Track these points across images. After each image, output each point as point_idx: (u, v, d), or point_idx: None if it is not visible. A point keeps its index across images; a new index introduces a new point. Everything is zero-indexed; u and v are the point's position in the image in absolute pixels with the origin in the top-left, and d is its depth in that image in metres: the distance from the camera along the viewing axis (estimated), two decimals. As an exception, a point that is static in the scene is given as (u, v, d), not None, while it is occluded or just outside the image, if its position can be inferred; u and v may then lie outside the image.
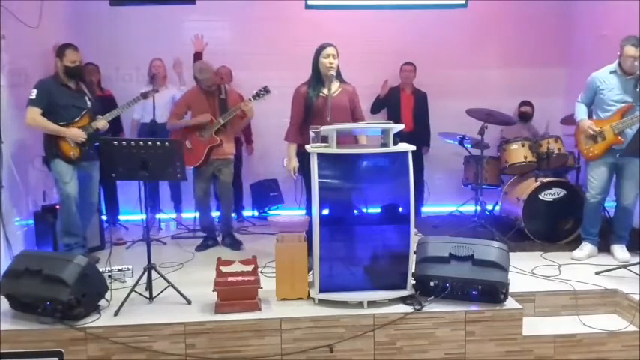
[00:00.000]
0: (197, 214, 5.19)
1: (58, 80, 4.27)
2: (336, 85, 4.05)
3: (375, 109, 6.20)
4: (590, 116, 4.51)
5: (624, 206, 4.40)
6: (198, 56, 5.52)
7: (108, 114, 4.42)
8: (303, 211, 4.62)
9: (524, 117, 6.20)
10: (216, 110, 4.80)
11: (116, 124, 5.52)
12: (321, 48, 4.02)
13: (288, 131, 4.19)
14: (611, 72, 4.38)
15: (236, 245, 4.91)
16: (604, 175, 4.41)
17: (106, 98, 5.42)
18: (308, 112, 4.05)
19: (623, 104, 4.30)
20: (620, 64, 4.32)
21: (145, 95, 4.74)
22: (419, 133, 6.07)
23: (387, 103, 6.18)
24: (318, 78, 4.07)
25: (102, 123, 4.36)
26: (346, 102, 4.10)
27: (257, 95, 4.73)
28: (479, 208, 5.48)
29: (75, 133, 4.23)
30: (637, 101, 4.26)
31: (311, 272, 3.67)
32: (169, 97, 5.59)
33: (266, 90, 4.71)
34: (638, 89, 4.24)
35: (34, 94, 4.15)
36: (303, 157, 3.94)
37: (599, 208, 4.56)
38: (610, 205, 4.80)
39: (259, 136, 6.18)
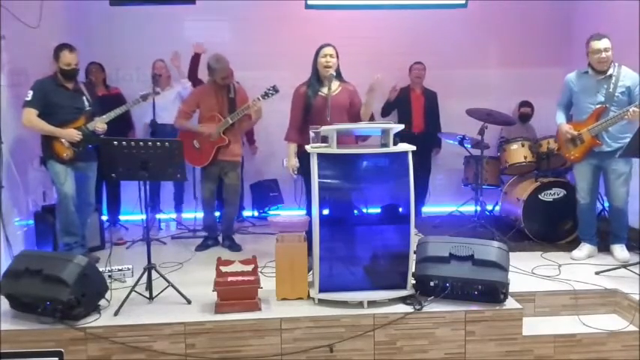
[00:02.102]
0: (199, 214, 5.20)
1: (56, 81, 4.26)
2: (335, 85, 4.07)
3: (386, 112, 6.14)
4: (571, 119, 4.51)
5: (616, 206, 4.38)
6: (196, 58, 5.51)
7: (105, 115, 4.39)
8: (303, 211, 4.62)
9: (524, 117, 6.20)
10: (224, 108, 4.73)
11: (125, 123, 5.51)
12: (320, 48, 4.09)
13: (288, 131, 4.22)
14: (583, 73, 4.34)
15: (235, 248, 4.90)
16: (588, 177, 4.41)
17: (112, 97, 5.40)
18: (307, 112, 4.08)
19: (598, 106, 4.26)
20: (590, 64, 4.27)
21: (144, 97, 4.69)
22: (430, 134, 6.05)
23: (398, 104, 6.15)
24: (317, 78, 4.12)
25: (98, 124, 4.33)
26: (346, 102, 4.12)
27: (266, 95, 4.61)
28: (479, 208, 5.48)
29: (70, 133, 4.22)
30: (610, 102, 4.22)
31: (311, 272, 3.67)
32: (175, 94, 5.59)
33: (275, 89, 4.59)
34: (610, 89, 4.20)
35: (29, 95, 4.16)
36: (303, 157, 3.94)
37: (592, 209, 4.55)
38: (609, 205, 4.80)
39: (259, 137, 6.19)
